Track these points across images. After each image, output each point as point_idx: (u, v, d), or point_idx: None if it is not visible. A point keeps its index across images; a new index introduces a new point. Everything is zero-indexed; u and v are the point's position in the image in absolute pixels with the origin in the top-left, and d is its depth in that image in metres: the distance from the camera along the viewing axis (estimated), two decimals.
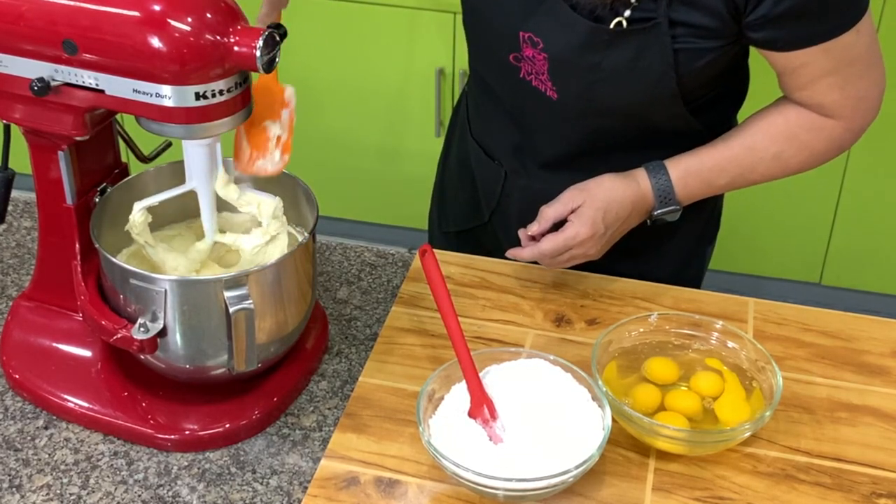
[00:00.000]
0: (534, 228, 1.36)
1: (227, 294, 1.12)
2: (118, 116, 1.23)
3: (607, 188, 1.34)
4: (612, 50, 1.27)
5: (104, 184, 1.25)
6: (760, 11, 1.21)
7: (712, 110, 1.40)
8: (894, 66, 2.48)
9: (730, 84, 1.42)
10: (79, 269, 1.23)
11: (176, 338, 1.16)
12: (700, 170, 1.36)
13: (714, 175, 1.36)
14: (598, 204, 1.33)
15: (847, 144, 1.35)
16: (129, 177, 1.27)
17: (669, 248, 1.53)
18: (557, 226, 1.35)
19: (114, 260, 1.15)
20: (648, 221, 1.40)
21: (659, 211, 1.37)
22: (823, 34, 1.23)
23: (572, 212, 1.34)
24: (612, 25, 1.26)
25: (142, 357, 1.20)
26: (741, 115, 1.44)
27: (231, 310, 1.12)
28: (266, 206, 1.22)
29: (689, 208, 1.40)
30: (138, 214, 1.19)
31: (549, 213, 1.35)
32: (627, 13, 1.25)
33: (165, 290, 1.13)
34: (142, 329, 1.14)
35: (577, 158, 1.42)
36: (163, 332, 1.15)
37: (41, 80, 1.08)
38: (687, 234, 1.53)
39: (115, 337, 1.17)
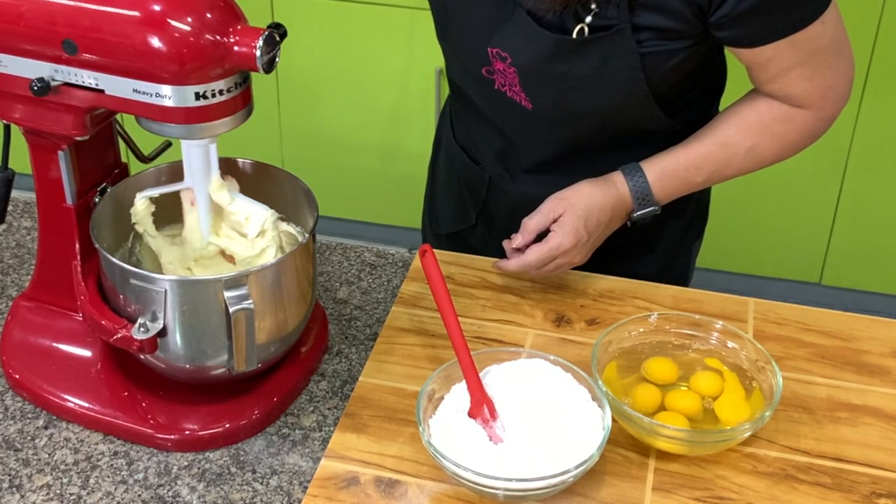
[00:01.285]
0: (518, 241, 1.36)
1: (227, 294, 1.12)
2: (118, 116, 1.23)
3: (586, 195, 1.35)
4: (578, 59, 1.28)
5: (104, 184, 1.24)
6: (723, 11, 1.21)
7: (689, 109, 1.40)
8: (894, 67, 2.51)
9: (705, 81, 1.42)
10: (79, 269, 1.23)
11: (176, 338, 1.16)
12: (676, 169, 1.36)
13: (690, 173, 1.37)
14: (578, 213, 1.34)
15: (819, 133, 1.36)
16: (129, 177, 1.27)
17: (656, 245, 1.54)
18: (541, 236, 1.35)
19: (114, 260, 1.15)
20: (628, 223, 1.40)
21: (638, 213, 1.38)
22: (788, 28, 1.23)
23: (554, 221, 1.34)
24: (574, 34, 1.26)
25: (142, 357, 1.20)
26: (721, 108, 1.44)
27: (231, 310, 1.12)
28: (255, 218, 1.20)
29: (673, 205, 1.41)
30: (140, 203, 1.19)
31: (532, 224, 1.35)
32: (589, 19, 1.25)
33: (165, 290, 1.13)
34: (142, 329, 1.14)
35: (560, 162, 1.43)
36: (163, 332, 1.15)
37: (41, 80, 1.08)
38: (673, 231, 1.53)
39: (115, 337, 1.17)
